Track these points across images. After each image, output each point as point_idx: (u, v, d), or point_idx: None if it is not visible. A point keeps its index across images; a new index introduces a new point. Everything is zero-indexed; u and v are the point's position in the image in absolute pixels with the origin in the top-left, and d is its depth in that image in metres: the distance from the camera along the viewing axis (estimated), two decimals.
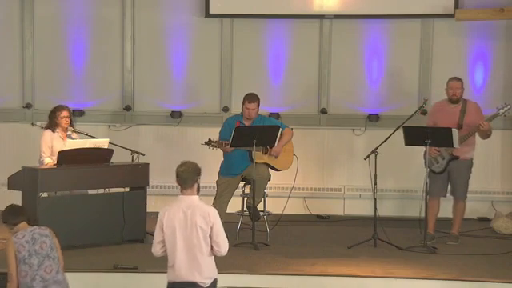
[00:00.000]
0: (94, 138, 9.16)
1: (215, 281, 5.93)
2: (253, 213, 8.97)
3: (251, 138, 8.65)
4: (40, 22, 10.97)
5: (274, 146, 8.93)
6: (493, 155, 10.67)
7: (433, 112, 9.33)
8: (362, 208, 10.68)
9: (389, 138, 8.94)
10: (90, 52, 10.99)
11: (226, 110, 10.87)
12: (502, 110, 9.00)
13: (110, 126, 10.96)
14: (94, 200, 8.87)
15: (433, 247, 8.71)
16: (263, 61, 10.94)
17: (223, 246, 5.88)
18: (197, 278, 5.83)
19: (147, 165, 9.06)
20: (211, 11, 10.75)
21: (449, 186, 9.19)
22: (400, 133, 8.84)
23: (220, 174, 9.16)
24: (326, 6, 10.72)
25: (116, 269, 7.70)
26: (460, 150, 8.92)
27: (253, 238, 8.73)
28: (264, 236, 9.03)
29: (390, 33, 10.83)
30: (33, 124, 10.93)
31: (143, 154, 9.23)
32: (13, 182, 8.68)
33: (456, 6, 10.46)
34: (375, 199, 8.90)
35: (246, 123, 9.06)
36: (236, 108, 10.12)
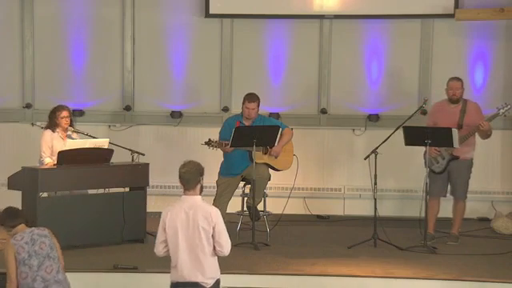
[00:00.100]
0: (94, 137, 9.16)
1: (218, 281, 5.92)
2: (253, 213, 8.97)
3: (251, 138, 8.65)
4: (40, 22, 10.96)
5: (273, 146, 8.93)
6: (493, 155, 10.66)
7: (433, 112, 9.32)
8: (362, 208, 10.68)
9: (389, 138, 8.93)
10: (90, 52, 10.98)
11: (226, 109, 10.87)
12: (502, 110, 8.99)
13: (109, 126, 10.95)
14: (94, 200, 8.86)
15: (433, 247, 8.70)
16: (263, 61, 10.93)
17: (226, 247, 5.87)
18: (199, 279, 5.82)
19: (147, 165, 9.05)
20: (211, 11, 10.74)
21: (449, 186, 9.19)
22: (400, 133, 8.84)
23: (220, 174, 9.16)
24: (325, 6, 10.72)
25: (116, 269, 7.70)
26: (460, 150, 8.92)
27: (253, 237, 8.73)
28: (264, 236, 9.02)
29: (390, 33, 10.83)
30: (33, 124, 10.92)
31: (143, 154, 9.22)
32: (13, 182, 8.67)
33: (456, 5, 10.45)
34: (375, 199, 8.89)
35: (246, 123, 9.05)
36: (236, 108, 10.11)
